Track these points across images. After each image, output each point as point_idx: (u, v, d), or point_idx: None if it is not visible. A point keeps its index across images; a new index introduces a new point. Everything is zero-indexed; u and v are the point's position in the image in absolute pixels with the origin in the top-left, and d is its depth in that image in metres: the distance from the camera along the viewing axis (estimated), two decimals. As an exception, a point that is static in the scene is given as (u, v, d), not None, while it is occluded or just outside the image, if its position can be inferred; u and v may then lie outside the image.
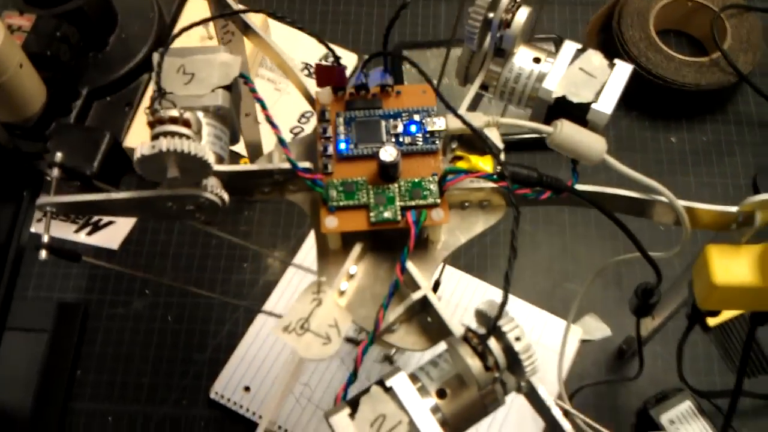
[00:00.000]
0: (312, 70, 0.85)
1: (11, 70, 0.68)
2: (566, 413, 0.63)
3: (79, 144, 0.75)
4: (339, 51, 0.85)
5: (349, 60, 0.86)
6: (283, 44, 0.87)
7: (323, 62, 0.42)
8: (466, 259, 0.74)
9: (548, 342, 0.70)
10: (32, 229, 0.75)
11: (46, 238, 0.41)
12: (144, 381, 0.70)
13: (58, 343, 0.71)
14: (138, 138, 0.78)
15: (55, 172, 0.43)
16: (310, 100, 0.47)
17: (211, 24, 0.75)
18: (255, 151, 0.71)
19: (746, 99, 0.82)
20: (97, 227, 0.77)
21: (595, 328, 0.71)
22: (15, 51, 0.68)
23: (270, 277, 0.75)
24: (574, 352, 0.70)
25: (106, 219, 0.77)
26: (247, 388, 0.69)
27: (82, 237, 0.77)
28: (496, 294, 0.72)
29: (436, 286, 0.64)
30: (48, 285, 0.75)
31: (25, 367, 0.69)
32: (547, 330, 0.71)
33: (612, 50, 0.81)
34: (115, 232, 0.77)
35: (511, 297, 0.71)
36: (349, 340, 0.67)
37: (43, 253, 0.41)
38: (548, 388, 0.67)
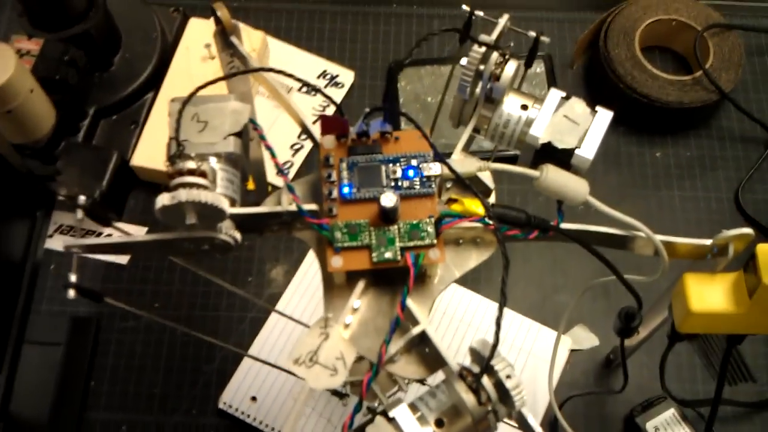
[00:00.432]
0: (309, 88, 0.88)
1: (22, 95, 0.71)
2: (554, 421, 0.67)
3: (88, 163, 0.78)
4: (336, 68, 0.89)
5: (346, 77, 0.88)
6: (281, 62, 0.91)
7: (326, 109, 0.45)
8: (461, 272, 0.77)
9: (539, 352, 0.74)
10: (46, 246, 0.79)
11: (74, 278, 0.44)
12: (155, 391, 0.74)
13: (73, 356, 0.74)
14: (144, 156, 0.80)
15: (79, 214, 0.46)
16: (305, 130, 0.50)
17: (213, 45, 0.78)
18: (258, 169, 0.74)
19: (729, 115, 0.86)
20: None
21: (584, 338, 0.75)
22: (26, 77, 0.72)
23: (274, 290, 0.78)
24: (564, 361, 0.74)
25: (116, 234, 0.80)
26: (253, 398, 0.72)
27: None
28: (489, 306, 0.76)
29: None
30: (61, 299, 0.78)
31: (41, 379, 0.72)
32: (539, 340, 0.74)
33: (599, 68, 0.85)
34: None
35: (504, 309, 0.75)
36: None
37: (72, 293, 0.44)
38: (540, 397, 0.71)
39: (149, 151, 0.81)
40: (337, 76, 0.89)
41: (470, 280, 0.77)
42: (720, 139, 0.85)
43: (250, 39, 0.86)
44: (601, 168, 0.83)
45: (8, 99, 0.69)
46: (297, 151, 0.84)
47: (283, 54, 0.90)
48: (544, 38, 0.48)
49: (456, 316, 0.75)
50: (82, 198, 0.45)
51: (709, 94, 0.82)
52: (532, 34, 0.47)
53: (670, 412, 0.69)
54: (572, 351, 0.74)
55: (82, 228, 0.80)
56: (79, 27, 0.79)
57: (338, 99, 0.87)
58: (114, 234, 0.78)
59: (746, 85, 0.87)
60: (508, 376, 0.37)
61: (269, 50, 0.89)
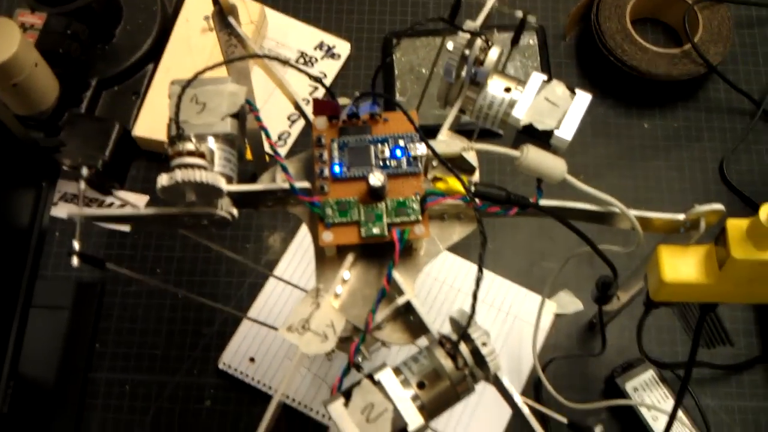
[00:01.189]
0: (307, 59, 0.90)
1: (27, 69, 0.73)
2: (538, 381, 0.70)
3: (91, 134, 0.80)
4: (332, 39, 0.91)
5: (343, 48, 0.90)
6: (279, 33, 0.93)
7: (321, 98, 0.46)
8: (452, 240, 0.80)
9: (525, 316, 0.77)
10: (51, 213, 0.81)
11: (77, 246, 0.47)
12: (157, 353, 0.77)
13: (78, 319, 0.77)
14: (146, 127, 0.83)
15: (82, 185, 0.48)
16: (299, 109, 0.53)
17: (210, 18, 0.80)
18: (255, 139, 0.77)
19: (716, 87, 0.88)
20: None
21: (569, 302, 0.78)
22: (30, 52, 0.74)
23: (271, 257, 0.81)
24: (549, 325, 0.77)
25: (118, 202, 0.82)
26: (252, 359, 0.76)
27: (96, 219, 0.82)
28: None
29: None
30: (66, 265, 0.80)
31: (48, 342, 0.76)
32: (525, 305, 0.77)
33: (590, 41, 0.86)
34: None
35: (492, 275, 0.79)
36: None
37: (75, 260, 0.46)
38: (525, 358, 0.74)
39: (150, 122, 0.83)
40: (333, 47, 0.90)
41: (461, 247, 0.79)
42: (707, 111, 0.87)
43: (249, 11, 0.87)
44: (591, 139, 0.85)
45: (14, 73, 0.72)
46: (294, 122, 0.86)
47: (281, 25, 0.91)
48: (530, 17, 0.50)
49: (447, 282, 0.78)
50: (84, 170, 0.48)
51: (698, 67, 0.83)
52: (519, 14, 0.49)
53: (649, 374, 0.73)
54: (557, 315, 0.77)
55: (85, 196, 0.83)
56: (81, 1, 0.80)
57: (335, 70, 0.89)
58: (115, 203, 0.81)
59: (735, 57, 0.89)
60: (484, 344, 0.40)
61: (267, 22, 0.91)
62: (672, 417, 0.61)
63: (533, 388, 0.74)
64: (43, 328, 0.76)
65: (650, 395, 0.72)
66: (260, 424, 0.45)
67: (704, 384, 0.76)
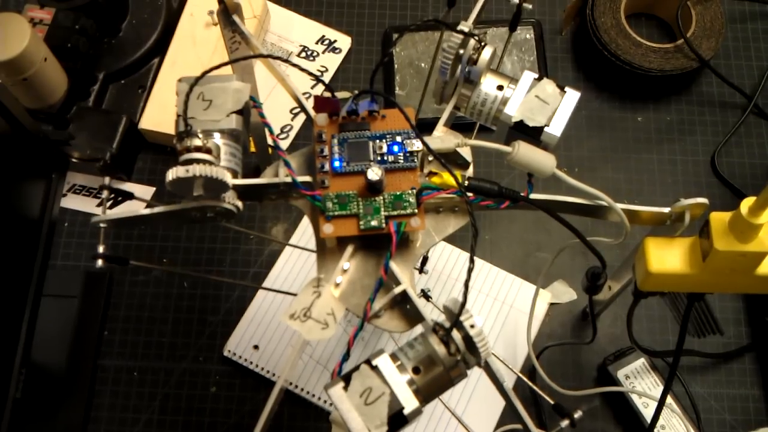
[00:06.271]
0: (309, 53, 0.92)
1: (37, 64, 0.75)
2: (532, 369, 0.72)
3: (99, 127, 0.83)
4: (333, 34, 0.93)
5: (344, 42, 0.92)
6: (281, 27, 0.95)
7: (323, 94, 0.48)
8: (450, 231, 0.82)
9: (521, 305, 0.79)
10: (61, 205, 0.84)
11: (101, 249, 0.49)
12: (164, 340, 0.79)
13: (88, 308, 0.80)
14: (152, 120, 0.85)
15: (105, 193, 0.51)
16: (300, 105, 0.55)
17: (215, 13, 0.82)
18: (259, 133, 0.79)
19: (709, 81, 0.90)
20: (116, 202, 0.85)
21: (563, 292, 0.80)
22: (40, 47, 0.76)
23: (274, 247, 0.83)
24: (543, 314, 0.79)
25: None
26: (256, 347, 0.78)
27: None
28: (476, 263, 0.81)
29: (424, 262, 0.73)
30: (75, 254, 0.83)
31: (59, 330, 0.78)
32: (520, 294, 0.80)
33: (586, 36, 0.88)
34: (132, 207, 0.85)
35: (488, 265, 0.81)
36: None
37: (99, 262, 0.49)
38: (520, 346, 0.77)
39: (156, 115, 0.85)
40: (335, 41, 0.92)
41: (459, 240, 0.82)
42: (699, 105, 0.89)
43: (252, 5, 0.89)
44: (586, 132, 0.87)
45: (24, 67, 0.74)
46: (296, 115, 0.88)
47: (283, 20, 0.93)
48: (526, 5, 0.52)
49: (444, 272, 0.80)
50: (107, 179, 0.50)
51: (690, 62, 0.85)
52: (515, 0, 0.51)
53: (640, 362, 0.75)
54: (552, 304, 0.80)
55: (91, 188, 0.85)
56: (88, -4, 0.82)
57: (336, 64, 0.91)
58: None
59: (727, 51, 0.91)
60: (475, 330, 0.42)
61: (270, 16, 0.93)
62: (661, 402, 0.63)
63: (528, 376, 0.76)
64: (54, 317, 0.78)
65: (641, 383, 0.74)
66: (264, 409, 0.47)
67: (694, 372, 0.78)
